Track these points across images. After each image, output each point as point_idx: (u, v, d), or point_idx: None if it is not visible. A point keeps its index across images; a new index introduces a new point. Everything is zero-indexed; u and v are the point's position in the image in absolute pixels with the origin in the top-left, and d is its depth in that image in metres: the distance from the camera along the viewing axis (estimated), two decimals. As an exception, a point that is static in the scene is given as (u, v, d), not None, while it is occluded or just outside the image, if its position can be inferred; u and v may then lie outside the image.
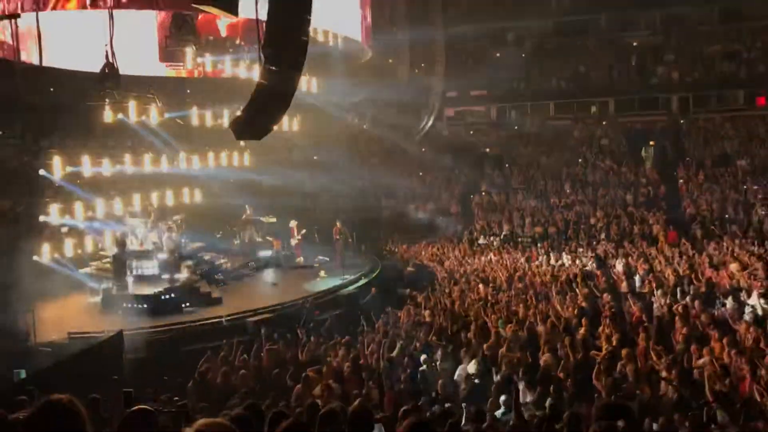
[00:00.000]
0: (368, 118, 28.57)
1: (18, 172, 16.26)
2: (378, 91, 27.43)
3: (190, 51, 18.81)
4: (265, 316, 15.38)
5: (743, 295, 13.27)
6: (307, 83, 21.22)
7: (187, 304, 16.06)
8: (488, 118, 37.28)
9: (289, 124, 22.09)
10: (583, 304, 13.68)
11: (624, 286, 16.05)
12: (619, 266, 17.54)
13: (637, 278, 16.36)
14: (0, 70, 16.70)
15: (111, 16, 15.34)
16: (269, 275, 19.85)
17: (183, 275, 17.09)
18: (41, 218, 16.90)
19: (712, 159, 28.73)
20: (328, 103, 23.89)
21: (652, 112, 33.82)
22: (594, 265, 18.85)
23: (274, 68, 8.13)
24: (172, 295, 16.04)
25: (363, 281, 19.19)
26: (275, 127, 9.05)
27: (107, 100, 15.54)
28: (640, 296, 14.82)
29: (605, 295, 14.49)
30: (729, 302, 12.88)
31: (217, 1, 8.23)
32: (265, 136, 9.06)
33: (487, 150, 33.86)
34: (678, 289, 14.32)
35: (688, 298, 13.51)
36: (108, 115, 16.13)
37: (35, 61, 17.64)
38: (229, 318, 15.24)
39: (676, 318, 11.89)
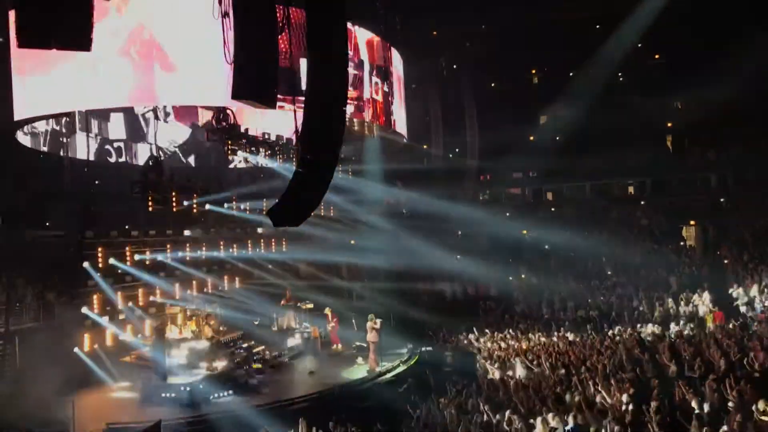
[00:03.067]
0: (405, 202, 28.81)
1: (63, 264, 16.66)
2: (414, 176, 27.79)
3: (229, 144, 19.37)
4: (303, 405, 15.16)
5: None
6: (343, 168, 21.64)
7: (225, 393, 15.96)
8: (525, 199, 37.29)
9: (325, 208, 22.41)
10: (630, 389, 13.19)
11: (672, 371, 15.46)
12: (665, 350, 16.96)
13: (684, 362, 15.77)
14: (50, 166, 17.43)
15: (155, 112, 16.02)
16: (306, 363, 19.62)
17: (221, 363, 17.01)
18: (83, 309, 17.21)
19: (755, 236, 28.08)
20: (366, 187, 24.22)
21: (691, 192, 33.50)
22: (639, 349, 18.24)
23: (310, 157, 8.26)
24: (211, 384, 15.97)
25: (401, 368, 18.83)
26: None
27: (150, 191, 16.03)
28: (689, 381, 14.24)
29: (653, 380, 13.96)
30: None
31: (256, 94, 8.45)
32: (303, 222, 9.13)
33: (525, 232, 33.65)
34: (730, 374, 13.73)
35: (741, 383, 12.93)
36: (150, 206, 16.59)
37: (83, 156, 18.40)
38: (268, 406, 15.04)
39: (729, 404, 11.37)
